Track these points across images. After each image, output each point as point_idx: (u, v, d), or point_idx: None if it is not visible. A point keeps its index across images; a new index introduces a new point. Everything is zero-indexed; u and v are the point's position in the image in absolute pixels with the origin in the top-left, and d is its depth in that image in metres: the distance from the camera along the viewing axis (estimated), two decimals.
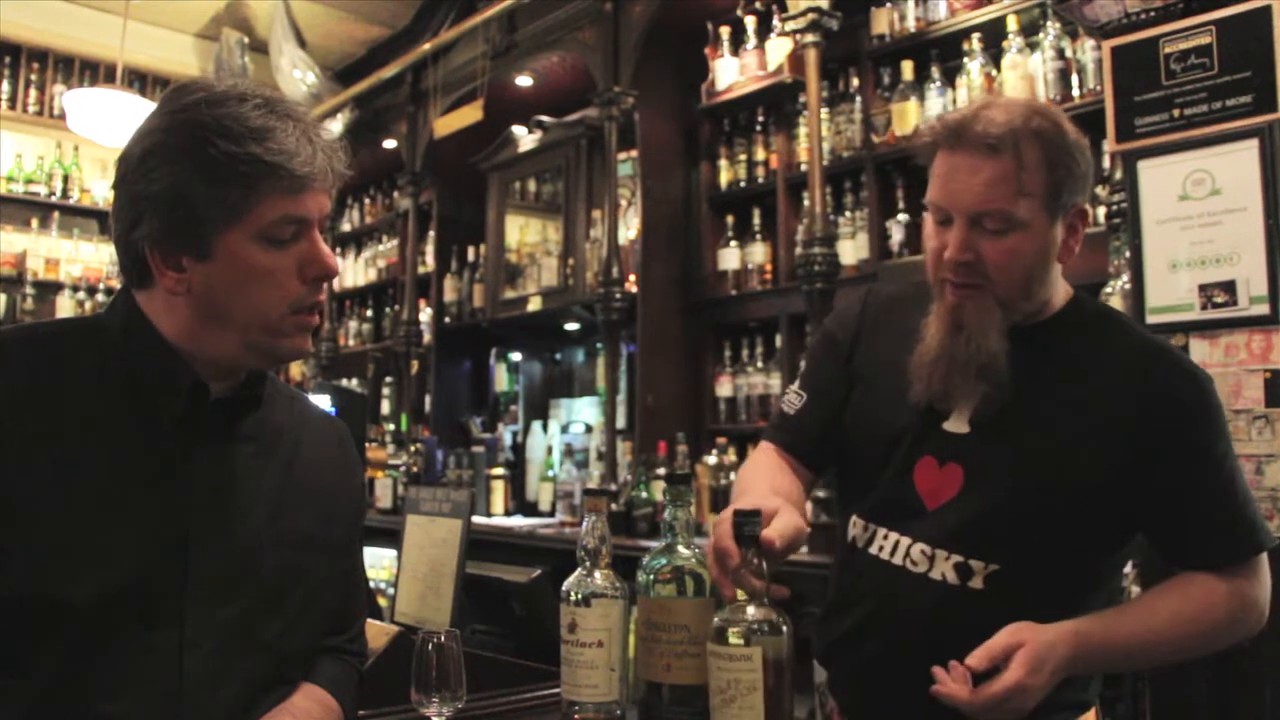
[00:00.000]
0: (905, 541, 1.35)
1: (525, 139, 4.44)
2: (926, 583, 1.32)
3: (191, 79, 1.12)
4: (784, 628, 1.11)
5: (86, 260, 5.94)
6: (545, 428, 4.42)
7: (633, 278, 3.79)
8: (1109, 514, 1.30)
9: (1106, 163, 2.67)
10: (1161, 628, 1.28)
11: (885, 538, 1.37)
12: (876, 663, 1.35)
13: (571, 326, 4.50)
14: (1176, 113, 1.93)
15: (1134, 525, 1.34)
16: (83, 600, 0.99)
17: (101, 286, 5.91)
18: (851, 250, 3.27)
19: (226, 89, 1.06)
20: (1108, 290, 2.47)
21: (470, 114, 4.42)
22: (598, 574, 1.24)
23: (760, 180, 3.65)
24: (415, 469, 4.47)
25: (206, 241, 1.04)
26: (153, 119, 1.07)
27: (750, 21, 3.55)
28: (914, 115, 3.09)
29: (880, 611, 1.36)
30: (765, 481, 1.42)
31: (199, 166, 1.02)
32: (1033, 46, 2.90)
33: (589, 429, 4.25)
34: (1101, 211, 2.64)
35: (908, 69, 3.14)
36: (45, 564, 0.99)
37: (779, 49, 3.42)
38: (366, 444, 4.38)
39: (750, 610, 1.10)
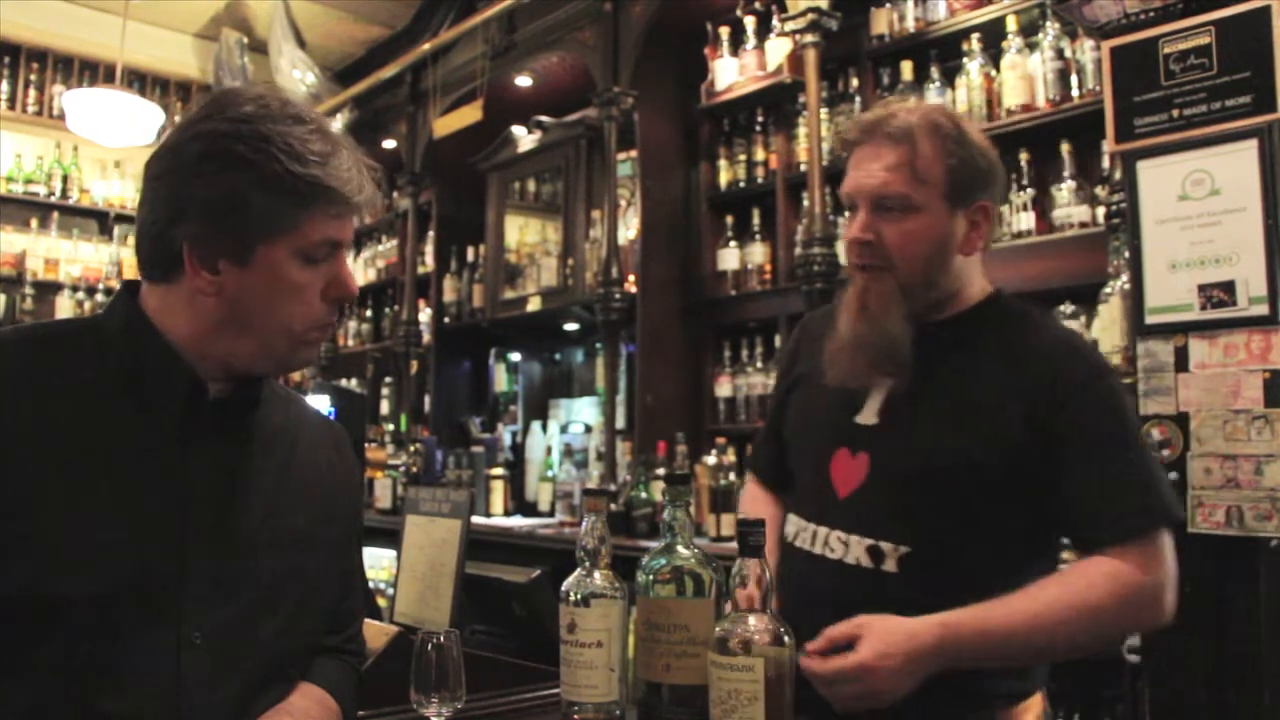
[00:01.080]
0: (824, 531, 1.42)
1: (525, 139, 4.43)
2: (843, 568, 1.38)
3: (238, 88, 1.13)
4: (786, 637, 1.10)
5: (86, 260, 5.94)
6: (545, 428, 4.42)
7: (632, 278, 3.79)
8: (1011, 496, 1.33)
9: (1106, 163, 2.67)
10: (1041, 614, 1.27)
11: (807, 530, 1.45)
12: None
13: (571, 326, 4.50)
14: (1176, 113, 1.93)
15: (1039, 508, 1.35)
16: (81, 599, 0.99)
17: (101, 286, 5.91)
18: None
19: (282, 105, 1.09)
20: (1107, 290, 2.47)
21: (470, 114, 4.42)
22: (597, 574, 1.24)
23: (760, 180, 3.65)
24: (415, 469, 4.47)
25: (250, 249, 1.06)
26: (208, 122, 1.07)
27: (750, 22, 3.54)
28: None
29: (807, 601, 1.38)
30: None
31: (260, 179, 1.04)
32: (1032, 47, 2.90)
33: (588, 429, 4.25)
34: (1101, 211, 2.64)
35: (907, 69, 3.14)
36: (44, 563, 0.99)
37: (778, 49, 3.42)
38: (366, 444, 4.37)
39: (752, 620, 1.10)
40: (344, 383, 5.46)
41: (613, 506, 3.45)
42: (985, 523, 1.34)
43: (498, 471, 4.24)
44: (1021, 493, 1.34)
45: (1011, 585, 1.30)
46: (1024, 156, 2.87)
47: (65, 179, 5.86)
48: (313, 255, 1.09)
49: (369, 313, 5.71)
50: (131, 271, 5.31)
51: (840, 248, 3.20)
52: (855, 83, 3.37)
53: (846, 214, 1.46)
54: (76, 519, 1.01)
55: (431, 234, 5.07)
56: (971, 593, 1.28)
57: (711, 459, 3.43)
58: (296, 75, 5.32)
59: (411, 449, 4.63)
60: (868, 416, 1.43)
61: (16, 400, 1.03)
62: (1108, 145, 2.13)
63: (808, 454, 1.51)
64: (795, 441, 1.56)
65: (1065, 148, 2.79)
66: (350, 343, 5.75)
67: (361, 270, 5.70)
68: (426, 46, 4.74)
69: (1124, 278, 2.25)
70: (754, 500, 1.67)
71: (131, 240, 1.15)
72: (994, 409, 1.34)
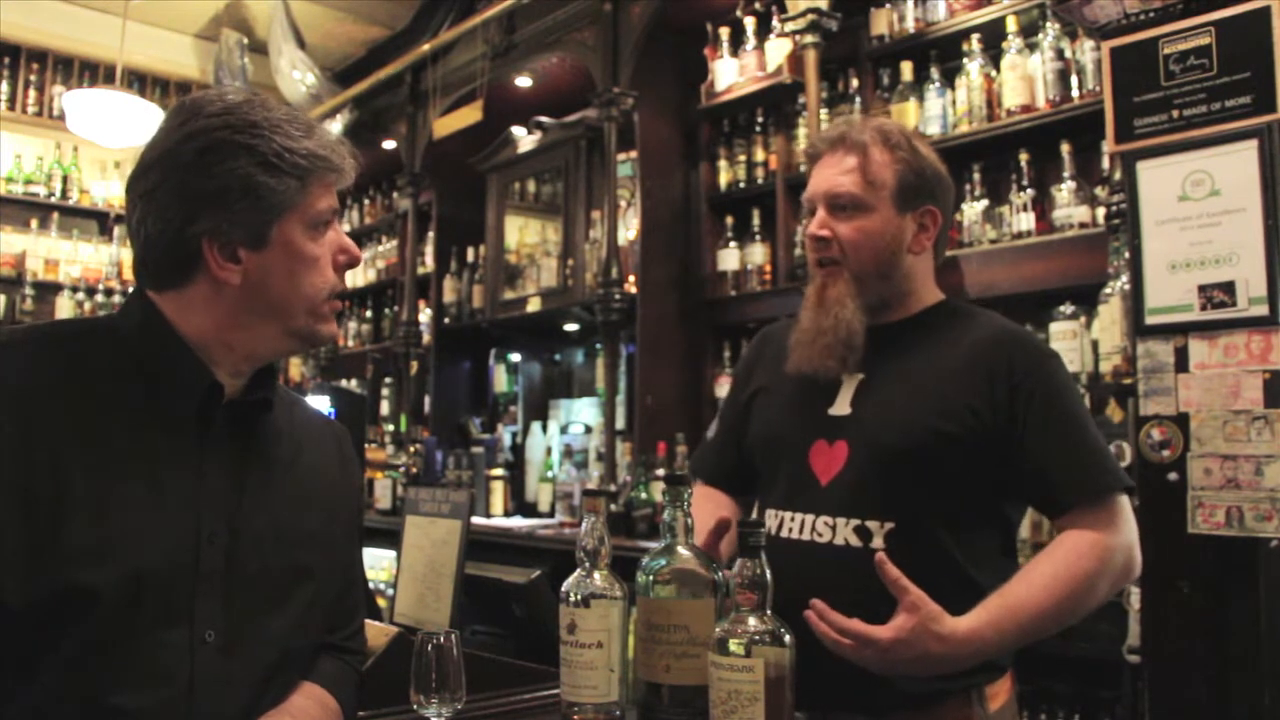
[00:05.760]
0: (810, 518, 1.50)
1: (525, 139, 4.43)
2: (833, 550, 1.46)
3: (197, 96, 1.16)
4: (786, 637, 1.10)
5: (86, 261, 5.95)
6: (545, 428, 4.42)
7: (632, 278, 3.79)
8: (978, 465, 1.45)
9: (1106, 163, 2.67)
10: (1044, 601, 1.36)
11: (793, 519, 1.53)
12: (804, 637, 1.36)
13: (571, 327, 4.50)
14: (1176, 113, 1.93)
15: (1003, 476, 1.47)
16: (101, 596, 1.00)
17: (101, 287, 5.92)
18: None
19: (246, 98, 1.14)
20: (1107, 290, 2.47)
21: (470, 114, 4.42)
22: (597, 575, 1.24)
23: (760, 181, 3.65)
24: (415, 470, 4.46)
25: (267, 231, 1.12)
26: (193, 124, 1.10)
27: (750, 22, 3.54)
28: (913, 116, 3.09)
29: (800, 586, 1.37)
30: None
31: (264, 161, 1.10)
32: (1032, 47, 2.89)
33: (588, 430, 4.25)
34: (1101, 212, 2.64)
35: (907, 70, 3.14)
36: (67, 560, 1.00)
37: (778, 50, 3.41)
38: (366, 445, 4.37)
39: (751, 620, 1.10)
40: (344, 383, 5.46)
41: (613, 507, 3.45)
42: (958, 491, 1.46)
43: (498, 472, 4.24)
44: (987, 461, 1.45)
45: (984, 548, 1.45)
46: (1024, 157, 2.87)
47: (65, 179, 5.87)
48: (318, 223, 1.16)
49: (369, 313, 5.70)
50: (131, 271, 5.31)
51: None
52: (855, 83, 3.37)
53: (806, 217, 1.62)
54: (96, 517, 1.02)
55: (431, 234, 5.07)
56: (953, 560, 1.42)
57: None
58: (296, 76, 5.32)
59: (411, 449, 4.63)
60: (840, 408, 1.54)
61: (40, 399, 1.05)
62: (1108, 146, 2.13)
63: (784, 450, 1.58)
64: (767, 441, 1.63)
65: (1065, 148, 2.79)
66: (350, 343, 5.74)
67: (361, 271, 5.69)
68: (426, 47, 4.74)
69: (1124, 278, 2.25)
70: (710, 500, 1.68)
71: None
72: (955, 389, 1.47)
